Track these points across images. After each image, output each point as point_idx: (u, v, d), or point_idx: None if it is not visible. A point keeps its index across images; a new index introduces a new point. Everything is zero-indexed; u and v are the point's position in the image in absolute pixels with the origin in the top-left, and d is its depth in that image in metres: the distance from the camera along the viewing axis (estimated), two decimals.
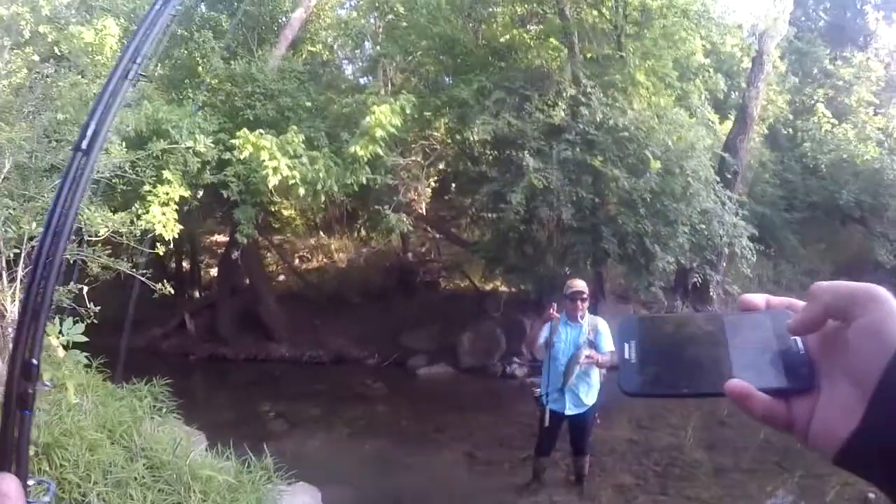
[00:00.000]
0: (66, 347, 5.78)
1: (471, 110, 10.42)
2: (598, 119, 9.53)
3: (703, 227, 9.83)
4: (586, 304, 5.86)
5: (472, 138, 10.56)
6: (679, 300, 12.02)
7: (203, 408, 10.08)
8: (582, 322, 5.76)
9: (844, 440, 0.47)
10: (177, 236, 9.70)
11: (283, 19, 13.26)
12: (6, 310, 5.87)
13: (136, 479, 5.02)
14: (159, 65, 11.31)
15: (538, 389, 6.14)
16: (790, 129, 16.81)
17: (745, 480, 7.01)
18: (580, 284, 5.90)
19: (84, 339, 5.94)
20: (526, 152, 9.53)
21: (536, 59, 10.72)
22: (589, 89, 9.80)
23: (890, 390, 0.45)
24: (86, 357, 7.68)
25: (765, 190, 15.06)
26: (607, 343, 5.63)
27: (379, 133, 9.77)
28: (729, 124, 14.46)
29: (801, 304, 0.55)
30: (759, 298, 0.59)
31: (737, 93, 15.15)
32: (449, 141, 12.53)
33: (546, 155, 9.71)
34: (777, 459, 7.28)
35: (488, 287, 14.57)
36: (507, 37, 12.26)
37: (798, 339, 0.54)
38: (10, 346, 3.74)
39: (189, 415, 8.11)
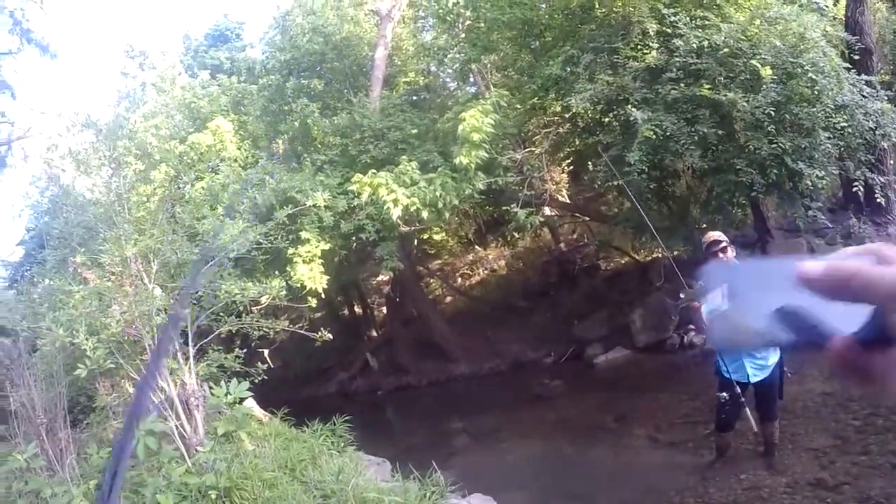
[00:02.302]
0: (233, 405, 6.54)
1: (566, 83, 10.10)
2: (693, 45, 8.70)
3: (846, 124, 8.47)
4: (730, 252, 5.23)
5: (578, 111, 10.25)
6: (853, 216, 10.52)
7: (391, 436, 10.72)
8: None
9: None
10: (325, 287, 10.50)
11: (368, 63, 13.92)
12: (187, 381, 6.70)
13: None
14: (275, 142, 12.49)
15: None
16: None
17: None
18: (714, 235, 5.38)
19: (249, 394, 6.70)
20: (630, 106, 9.00)
21: (613, 9, 10.15)
22: (673, 18, 9.08)
23: None
24: (272, 409, 8.70)
25: None
26: None
27: (476, 137, 9.87)
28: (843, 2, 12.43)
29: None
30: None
31: None
32: (562, 120, 12.28)
33: (653, 102, 9.04)
34: None
35: (648, 258, 13.89)
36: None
37: None
38: (195, 411, 4.40)
39: (377, 445, 8.73)
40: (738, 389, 5.38)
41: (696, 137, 8.80)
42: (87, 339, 5.14)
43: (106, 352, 5.42)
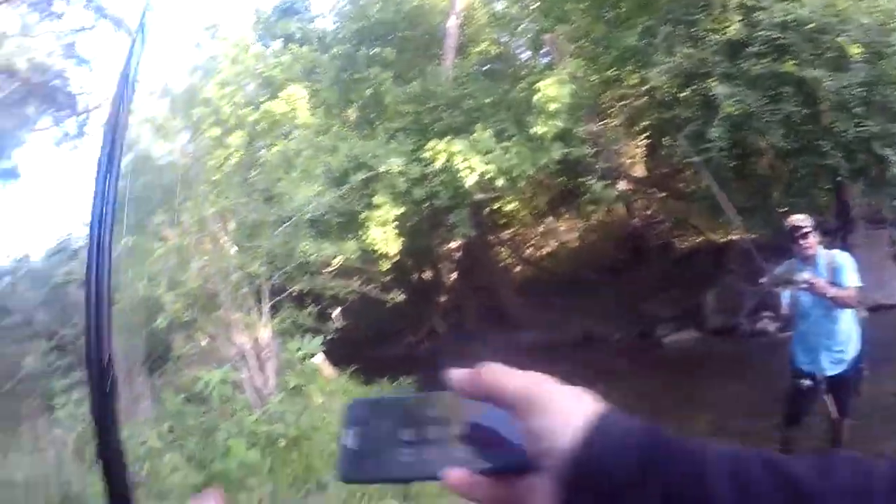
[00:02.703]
0: (304, 360, 6.85)
1: (643, 54, 9.81)
2: (777, 19, 8.25)
3: None
4: (813, 239, 4.84)
5: (655, 84, 9.93)
6: None
7: None
8: (817, 260, 4.86)
9: None
10: (399, 250, 10.74)
11: (440, 32, 13.79)
12: (260, 335, 7.07)
13: None
14: (347, 110, 12.67)
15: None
16: None
17: None
18: (797, 219, 4.99)
19: (321, 349, 6.99)
20: (712, 80, 8.68)
21: None
22: None
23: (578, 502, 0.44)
24: (341, 366, 9.05)
25: None
26: (850, 278, 4.69)
27: (553, 107, 9.77)
28: None
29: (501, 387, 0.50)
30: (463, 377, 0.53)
31: None
32: (638, 93, 11.94)
33: (735, 77, 8.65)
34: None
35: (724, 239, 13.40)
36: None
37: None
38: (267, 364, 4.70)
39: None
40: (813, 382, 5.06)
41: (779, 116, 8.43)
42: (167, 293, 5.48)
43: (184, 305, 5.77)
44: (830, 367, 4.95)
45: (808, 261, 4.83)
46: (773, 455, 0.42)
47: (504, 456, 0.49)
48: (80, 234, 13.07)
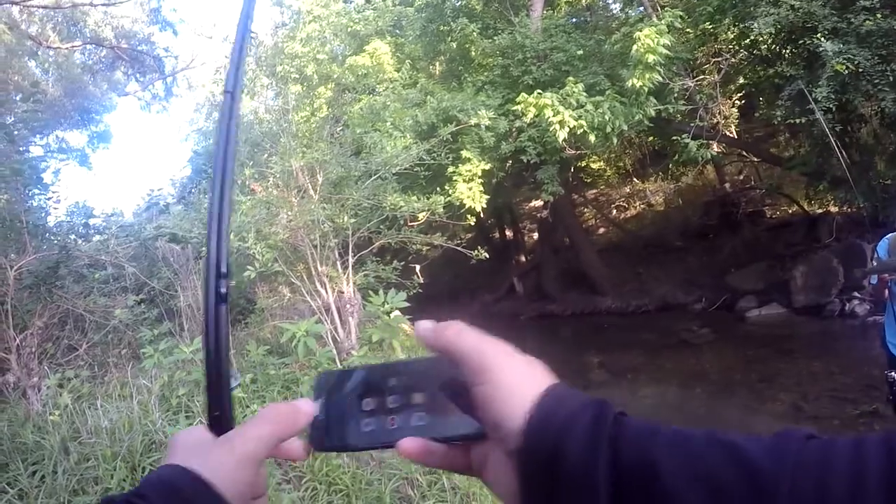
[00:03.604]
0: (388, 314, 6.90)
1: (745, 5, 9.10)
2: None
3: None
4: None
5: (757, 38, 9.23)
6: None
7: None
8: None
9: None
10: (484, 206, 10.63)
11: None
12: (345, 289, 7.17)
13: None
14: (433, 64, 12.40)
15: None
16: None
17: None
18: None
19: (405, 304, 7.02)
20: (820, 35, 7.99)
21: None
22: None
23: (533, 473, 0.43)
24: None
25: None
26: None
27: (651, 58, 9.23)
28: None
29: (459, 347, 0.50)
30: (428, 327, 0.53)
31: None
32: (737, 48, 11.17)
33: (845, 33, 7.91)
34: None
35: (819, 210, 12.55)
36: None
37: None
38: (350, 318, 4.76)
39: None
40: None
41: (891, 78, 7.70)
42: (255, 244, 5.59)
43: (272, 256, 5.88)
44: None
45: None
46: (721, 434, 0.40)
47: (459, 424, 0.50)
48: (168, 192, 13.69)
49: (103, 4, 12.78)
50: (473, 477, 0.51)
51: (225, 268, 0.62)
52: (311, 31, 9.30)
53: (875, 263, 4.76)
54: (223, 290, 0.62)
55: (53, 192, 7.81)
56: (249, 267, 5.68)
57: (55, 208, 7.95)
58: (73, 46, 14.53)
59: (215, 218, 0.63)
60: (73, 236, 7.81)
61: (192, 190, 10.86)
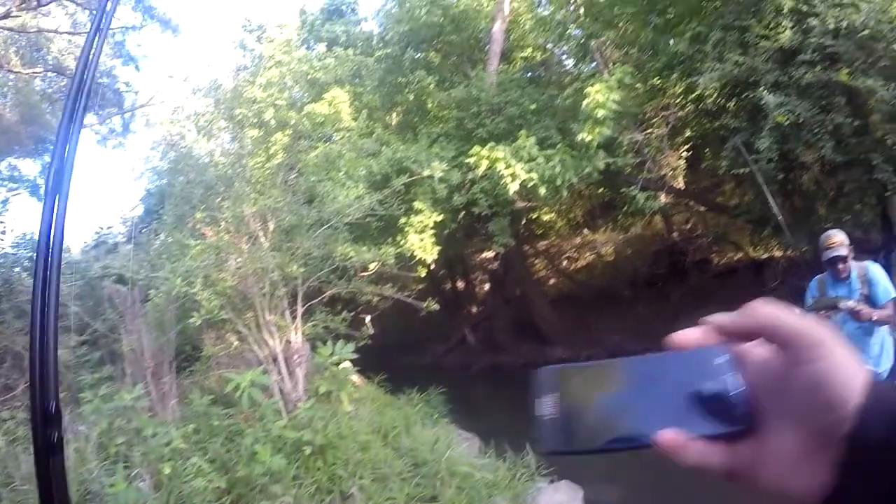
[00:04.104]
0: (337, 365, 6.73)
1: (692, 62, 9.54)
2: (830, 26, 7.92)
3: None
4: (848, 257, 4.73)
5: (703, 92, 9.68)
6: None
7: (481, 414, 10.71)
8: (851, 275, 4.77)
9: None
10: (436, 258, 10.62)
11: (485, 37, 13.63)
12: (293, 339, 6.98)
13: (398, 474, 5.57)
14: (390, 114, 12.58)
15: None
16: None
17: None
18: (833, 236, 4.84)
19: (354, 356, 6.86)
20: (762, 89, 8.39)
21: None
22: None
23: (862, 462, 0.41)
24: (368, 374, 8.92)
25: None
26: (885, 291, 4.60)
27: (601, 113, 9.53)
28: None
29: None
30: (692, 334, 0.52)
31: None
32: (685, 102, 11.68)
33: (785, 86, 8.36)
34: None
35: (763, 255, 13.03)
36: None
37: (734, 375, 0.49)
38: (297, 368, 4.59)
39: (467, 420, 8.76)
40: None
41: (829, 127, 8.15)
42: (202, 290, 5.41)
43: (218, 304, 5.70)
44: None
45: (842, 280, 4.78)
46: None
47: (721, 418, 0.47)
48: (118, 230, 13.29)
49: (68, 33, 12.57)
50: (724, 480, 0.48)
51: (54, 408, 0.54)
52: (272, 76, 9.35)
53: (812, 303, 4.98)
54: (54, 438, 0.51)
55: (0, 223, 7.54)
56: (195, 314, 5.48)
57: (0, 239, 7.66)
58: (34, 73, 14.19)
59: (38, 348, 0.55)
60: (17, 269, 7.51)
61: (143, 230, 10.60)
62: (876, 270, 4.78)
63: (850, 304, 4.54)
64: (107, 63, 15.45)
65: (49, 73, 14.89)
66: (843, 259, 4.73)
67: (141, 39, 31.38)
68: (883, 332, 4.77)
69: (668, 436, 0.46)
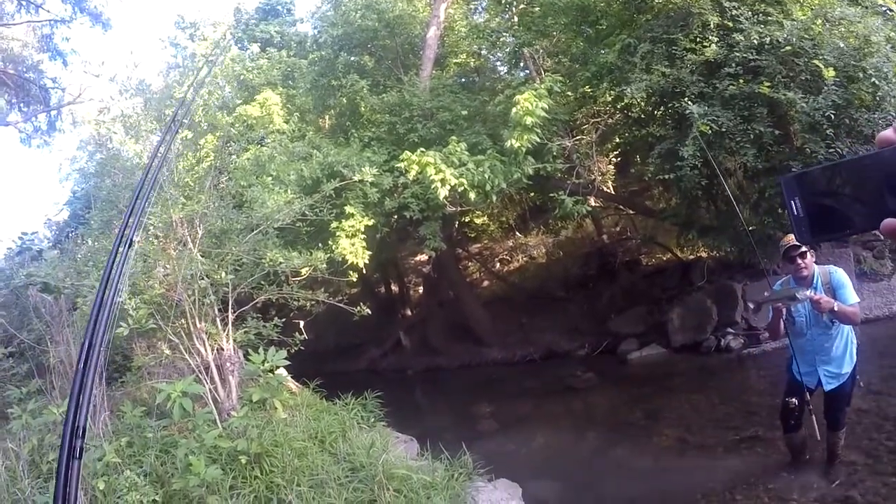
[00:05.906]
0: (271, 372, 6.64)
1: (621, 72, 9.89)
2: (754, 41, 8.45)
3: None
4: (809, 259, 4.83)
5: (631, 101, 10.07)
6: None
7: (418, 416, 10.79)
8: (815, 279, 4.85)
9: None
10: (367, 262, 10.59)
11: (420, 42, 13.79)
12: (225, 346, 6.82)
13: (335, 479, 5.54)
14: (322, 118, 12.46)
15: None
16: None
17: None
18: (793, 238, 4.73)
19: (286, 363, 6.77)
20: (687, 99, 8.78)
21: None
22: (734, 11, 8.78)
23: None
24: (304, 380, 8.82)
25: None
26: (850, 295, 4.68)
27: (529, 121, 9.76)
28: None
29: None
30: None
31: None
32: (614, 110, 12.09)
33: (710, 97, 8.83)
34: None
35: (691, 256, 13.61)
36: None
37: None
38: (230, 376, 4.49)
39: (405, 423, 8.81)
40: (807, 395, 5.10)
41: (751, 136, 8.62)
42: (130, 299, 5.24)
43: (147, 312, 5.52)
44: (827, 383, 5.00)
45: (804, 280, 4.84)
46: None
47: None
48: (43, 234, 12.61)
49: None
50: None
51: (82, 423, 0.60)
52: (204, 75, 9.12)
53: (768, 295, 5.19)
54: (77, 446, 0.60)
55: None
56: (122, 323, 5.29)
57: None
58: None
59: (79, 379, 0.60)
60: None
61: (69, 235, 10.11)
62: (840, 275, 4.83)
63: (809, 293, 4.63)
64: (33, 57, 14.68)
65: None
66: (801, 253, 4.76)
67: (70, 33, 29.91)
68: (847, 332, 4.89)
69: (892, 224, 0.56)
